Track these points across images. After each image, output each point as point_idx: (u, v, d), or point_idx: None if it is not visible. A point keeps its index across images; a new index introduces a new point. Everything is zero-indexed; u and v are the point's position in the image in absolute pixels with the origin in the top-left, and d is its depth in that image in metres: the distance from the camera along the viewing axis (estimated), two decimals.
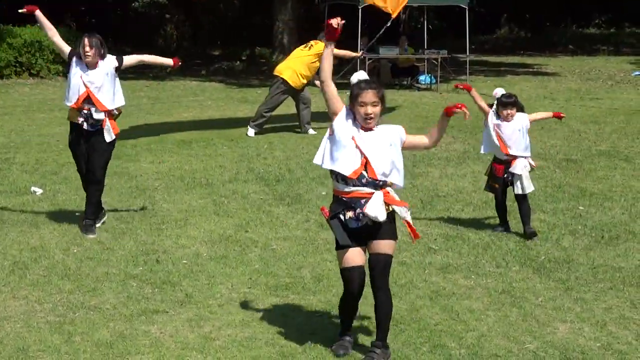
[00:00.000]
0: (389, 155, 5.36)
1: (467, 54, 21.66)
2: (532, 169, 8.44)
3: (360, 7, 20.12)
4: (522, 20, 41.42)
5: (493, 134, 8.29)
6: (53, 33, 8.19)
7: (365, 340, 5.70)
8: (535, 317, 6.23)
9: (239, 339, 5.74)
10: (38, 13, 8.10)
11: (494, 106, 8.36)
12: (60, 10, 26.87)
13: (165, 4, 33.78)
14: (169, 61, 8.67)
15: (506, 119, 8.26)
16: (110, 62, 8.16)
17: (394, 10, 14.80)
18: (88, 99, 8.05)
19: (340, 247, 5.43)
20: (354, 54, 15.27)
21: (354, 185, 5.34)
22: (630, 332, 5.99)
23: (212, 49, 32.52)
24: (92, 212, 8.24)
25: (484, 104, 8.39)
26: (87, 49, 7.97)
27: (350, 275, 5.40)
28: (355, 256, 5.39)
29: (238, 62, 28.08)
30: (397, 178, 5.42)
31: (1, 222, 8.50)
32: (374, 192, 5.33)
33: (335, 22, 5.48)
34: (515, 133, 8.26)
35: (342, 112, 5.43)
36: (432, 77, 21.46)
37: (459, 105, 5.40)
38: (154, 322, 6.03)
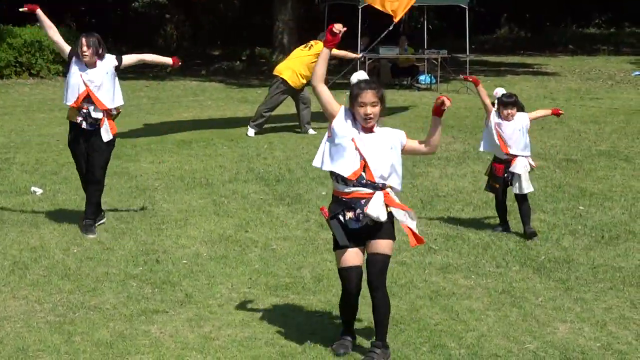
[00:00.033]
0: (388, 158, 5.36)
1: (467, 53, 21.66)
2: (531, 169, 8.44)
3: (360, 7, 20.12)
4: (522, 20, 41.42)
5: (494, 133, 8.29)
6: (54, 32, 8.19)
7: (366, 340, 5.70)
8: (535, 317, 6.23)
9: (238, 339, 5.74)
10: (39, 12, 8.11)
11: (495, 106, 8.37)
12: (60, 10, 26.87)
13: (165, 4, 33.78)
14: (168, 60, 8.67)
15: (506, 118, 8.26)
16: (110, 61, 8.17)
17: (396, 14, 14.73)
18: (87, 98, 8.06)
19: (339, 247, 5.43)
20: (353, 55, 15.26)
21: (353, 186, 5.35)
22: (630, 332, 5.99)
23: (212, 49, 32.52)
24: (92, 212, 8.24)
25: (488, 102, 8.37)
26: (85, 48, 7.99)
27: (348, 275, 5.41)
28: (354, 256, 5.41)
29: (238, 62, 28.08)
30: (396, 181, 5.43)
31: (1, 222, 8.50)
32: (374, 193, 5.34)
33: (338, 28, 5.45)
34: (515, 132, 8.27)
35: (340, 113, 5.43)
36: (432, 77, 21.48)
37: (439, 98, 5.39)
38: (153, 322, 6.03)
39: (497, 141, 8.29)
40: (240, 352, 5.53)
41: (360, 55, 16.90)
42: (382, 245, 5.38)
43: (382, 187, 5.38)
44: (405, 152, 5.50)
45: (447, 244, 8.04)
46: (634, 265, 7.43)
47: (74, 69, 8.07)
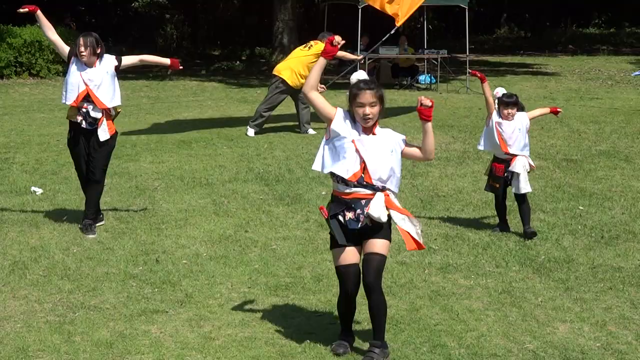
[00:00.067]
0: (388, 161, 5.38)
1: (467, 53, 21.66)
2: (531, 169, 8.45)
3: (360, 7, 20.13)
4: (521, 20, 41.45)
5: (494, 132, 8.29)
6: (52, 33, 8.20)
7: (366, 339, 5.70)
8: (535, 317, 6.23)
9: (238, 339, 5.74)
10: (39, 13, 8.12)
11: (495, 105, 8.38)
12: (60, 10, 26.89)
13: (165, 4, 33.81)
14: (166, 61, 8.66)
15: (507, 118, 8.27)
16: (110, 61, 8.19)
17: (397, 18, 14.68)
18: (87, 97, 8.06)
19: (336, 246, 5.45)
20: (353, 57, 15.25)
21: (354, 187, 5.37)
22: (630, 332, 5.99)
23: (212, 48, 32.54)
24: (92, 212, 8.25)
25: (492, 100, 8.38)
26: (82, 49, 8.02)
27: (346, 273, 5.44)
28: (351, 255, 5.44)
29: (238, 62, 28.09)
30: (393, 184, 5.46)
31: (1, 221, 8.50)
32: (374, 194, 5.36)
33: (337, 40, 5.48)
34: (516, 132, 8.28)
35: (338, 115, 5.44)
36: (432, 77, 21.49)
37: (422, 101, 5.36)
38: (153, 321, 6.04)
39: (497, 140, 8.30)
40: (240, 352, 5.53)
41: (360, 57, 16.89)
42: (378, 246, 5.39)
43: (382, 189, 5.39)
44: (403, 156, 5.51)
45: (447, 243, 8.04)
46: (633, 265, 7.44)
47: (74, 68, 8.08)
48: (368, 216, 5.35)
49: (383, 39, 16.87)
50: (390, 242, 5.49)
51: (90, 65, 8.08)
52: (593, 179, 10.75)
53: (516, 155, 8.32)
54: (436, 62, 20.97)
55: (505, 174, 8.37)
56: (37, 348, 5.56)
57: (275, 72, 14.05)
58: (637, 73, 24.04)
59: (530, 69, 26.08)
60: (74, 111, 8.17)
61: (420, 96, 5.40)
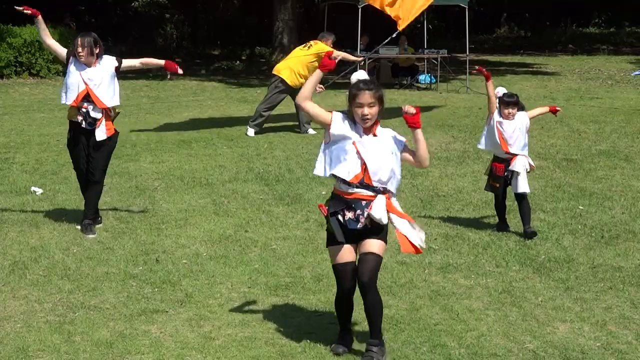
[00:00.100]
0: (388, 163, 5.40)
1: (467, 53, 21.66)
2: (531, 169, 8.45)
3: (360, 7, 20.12)
4: (521, 20, 41.46)
5: (495, 131, 8.30)
6: (49, 38, 8.23)
7: (365, 339, 5.69)
8: (535, 316, 6.23)
9: (238, 339, 5.74)
10: (40, 18, 8.13)
11: (496, 105, 8.40)
12: (60, 10, 26.89)
13: (165, 4, 33.81)
14: (161, 62, 8.59)
15: (507, 117, 8.27)
16: (110, 62, 8.19)
17: (399, 21, 14.64)
18: (87, 97, 8.07)
19: (333, 244, 5.48)
20: (352, 58, 15.21)
21: (356, 187, 5.39)
22: (630, 331, 5.99)
23: (212, 48, 32.53)
24: (91, 212, 8.25)
25: (494, 99, 8.40)
26: (79, 49, 8.04)
27: (343, 271, 5.45)
28: (348, 253, 5.46)
29: (238, 61, 28.09)
30: (393, 186, 5.48)
31: (1, 221, 8.50)
32: (376, 196, 5.37)
33: (335, 55, 5.51)
34: (516, 131, 8.29)
35: (334, 119, 5.45)
36: (432, 77, 21.49)
37: (405, 109, 5.37)
38: (153, 321, 6.04)
39: (498, 140, 8.30)
40: (240, 352, 5.53)
41: (360, 58, 16.85)
42: (374, 246, 5.42)
43: (383, 191, 5.40)
44: (401, 159, 5.52)
45: (447, 243, 8.04)
46: (633, 265, 7.44)
47: (73, 68, 8.09)
48: (369, 217, 5.36)
49: (384, 42, 16.85)
50: (386, 244, 5.51)
51: (89, 65, 8.09)
52: (593, 178, 10.75)
53: (516, 155, 8.32)
54: (436, 62, 20.97)
55: (506, 174, 8.37)
56: (37, 348, 5.56)
57: (274, 71, 14.07)
58: (637, 73, 24.00)
59: (530, 69, 26.08)
60: (74, 111, 8.17)
61: (404, 104, 5.40)
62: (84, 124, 8.15)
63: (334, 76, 18.78)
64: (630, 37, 37.64)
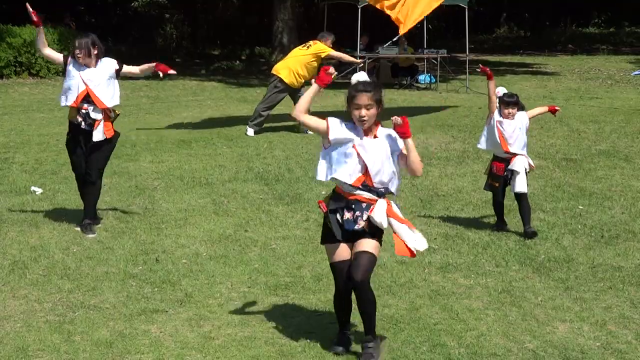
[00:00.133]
0: (389, 165, 5.42)
1: (467, 53, 21.66)
2: (531, 169, 8.45)
3: (359, 7, 20.12)
4: (521, 20, 41.48)
5: (495, 131, 8.30)
6: (46, 48, 8.25)
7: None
8: (535, 316, 6.23)
9: (238, 338, 5.74)
10: (41, 29, 8.13)
11: (496, 104, 8.40)
12: (60, 10, 26.90)
13: (164, 4, 33.81)
14: (152, 65, 8.57)
15: (507, 117, 8.28)
16: (111, 64, 8.21)
17: (400, 24, 14.62)
18: (87, 98, 8.07)
19: (329, 241, 5.50)
20: (351, 59, 15.20)
21: (358, 190, 5.40)
22: (630, 331, 5.99)
23: (212, 48, 32.54)
24: (91, 212, 8.25)
25: (495, 99, 8.41)
26: (77, 51, 8.07)
27: (341, 269, 5.46)
28: (345, 251, 5.48)
29: (237, 61, 28.09)
30: (394, 187, 5.51)
31: (1, 221, 8.50)
32: (377, 200, 5.40)
33: (331, 72, 5.51)
34: (516, 131, 8.30)
35: (331, 124, 5.45)
36: (432, 77, 21.49)
37: (393, 120, 5.38)
38: (153, 321, 6.04)
39: (498, 139, 8.30)
40: (240, 352, 5.53)
41: (359, 61, 16.84)
42: (368, 245, 5.43)
43: (384, 193, 5.43)
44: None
45: (446, 243, 8.04)
46: (633, 265, 7.44)
47: (72, 70, 8.09)
48: (368, 220, 5.38)
49: (386, 45, 16.85)
50: (380, 244, 5.52)
51: (88, 66, 8.10)
52: (593, 178, 10.76)
53: (516, 154, 8.33)
54: (436, 62, 20.97)
55: (505, 173, 8.37)
56: (37, 347, 5.57)
57: (273, 71, 14.09)
58: (636, 72, 23.99)
59: (530, 69, 26.09)
60: (74, 112, 8.18)
61: (393, 116, 5.40)
62: (83, 125, 8.15)
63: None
64: (629, 37, 37.66)
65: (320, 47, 13.74)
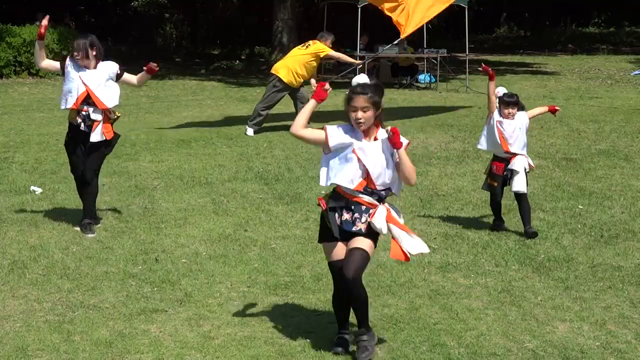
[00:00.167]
0: (390, 167, 5.42)
1: (467, 53, 21.67)
2: (530, 169, 8.45)
3: (359, 6, 20.12)
4: (521, 19, 41.48)
5: (495, 131, 8.30)
6: (44, 60, 8.21)
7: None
8: (535, 316, 6.23)
9: (238, 338, 5.74)
10: (42, 42, 8.11)
11: (496, 104, 8.40)
12: (60, 10, 26.89)
13: (164, 4, 33.80)
14: (148, 75, 8.53)
15: (507, 117, 8.28)
16: (112, 67, 8.21)
17: (400, 26, 14.59)
18: (87, 99, 8.06)
19: (326, 240, 5.51)
20: (350, 60, 15.18)
21: (360, 193, 5.40)
22: (630, 331, 5.99)
23: (212, 48, 32.54)
24: (90, 212, 8.25)
25: (495, 99, 8.41)
26: (75, 52, 8.08)
27: (339, 267, 5.46)
28: (342, 250, 5.49)
29: (237, 61, 28.11)
30: (396, 188, 5.52)
31: (0, 221, 8.50)
32: (377, 205, 5.41)
33: (327, 88, 5.54)
34: (516, 131, 8.29)
35: (330, 132, 5.44)
36: (432, 77, 21.49)
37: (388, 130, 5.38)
38: (153, 321, 6.03)
39: (498, 139, 8.30)
40: (240, 351, 5.53)
41: (359, 62, 16.82)
42: (362, 242, 5.43)
43: (386, 195, 5.45)
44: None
45: (446, 242, 8.04)
46: (633, 264, 7.44)
47: (71, 72, 8.08)
48: (367, 223, 5.38)
49: (386, 47, 16.82)
50: (375, 244, 5.52)
51: (87, 67, 8.10)
52: (592, 178, 10.76)
53: (516, 154, 8.33)
54: (436, 62, 20.97)
55: (505, 173, 8.37)
56: (37, 347, 5.56)
57: (272, 70, 14.10)
58: (636, 72, 24.01)
59: (530, 68, 26.09)
60: (74, 113, 8.17)
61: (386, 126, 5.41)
62: (82, 127, 8.14)
63: (333, 75, 18.79)
64: (629, 37, 37.68)
65: (320, 47, 13.74)
